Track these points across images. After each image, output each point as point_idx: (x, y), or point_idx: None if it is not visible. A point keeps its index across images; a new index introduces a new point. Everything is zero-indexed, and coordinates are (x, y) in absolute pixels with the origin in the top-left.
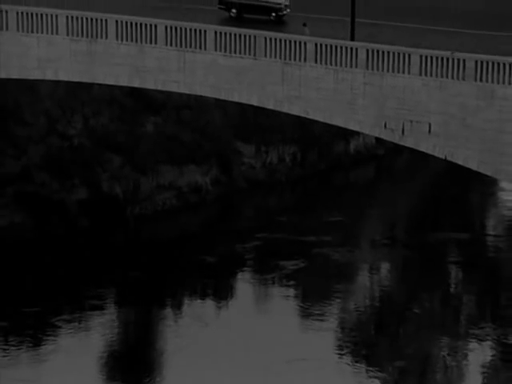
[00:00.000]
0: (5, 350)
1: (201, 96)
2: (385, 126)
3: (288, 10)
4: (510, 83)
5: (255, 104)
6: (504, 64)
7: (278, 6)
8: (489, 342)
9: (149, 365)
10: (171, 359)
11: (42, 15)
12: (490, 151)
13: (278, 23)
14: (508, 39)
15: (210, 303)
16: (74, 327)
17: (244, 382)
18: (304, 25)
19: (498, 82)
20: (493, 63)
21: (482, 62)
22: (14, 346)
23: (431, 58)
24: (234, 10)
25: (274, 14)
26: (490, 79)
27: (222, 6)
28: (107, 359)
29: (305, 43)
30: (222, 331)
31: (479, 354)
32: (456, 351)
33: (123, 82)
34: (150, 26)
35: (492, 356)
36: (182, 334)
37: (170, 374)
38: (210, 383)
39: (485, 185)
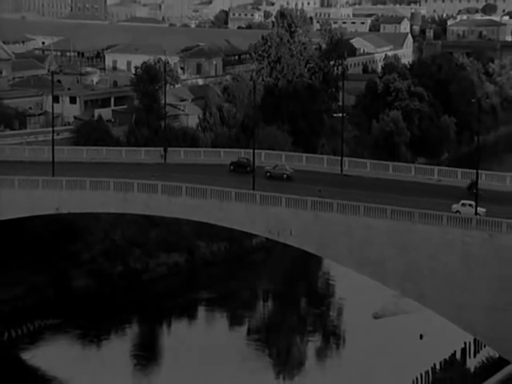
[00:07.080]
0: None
1: (177, 218)
2: (270, 231)
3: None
4: (327, 210)
5: (205, 221)
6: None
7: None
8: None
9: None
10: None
11: (101, 182)
12: (319, 243)
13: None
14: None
15: (184, 324)
16: (113, 339)
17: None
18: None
19: (322, 211)
20: (319, 202)
21: (315, 202)
22: (79, 346)
23: (292, 199)
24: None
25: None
26: (317, 209)
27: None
28: (127, 357)
29: (230, 192)
30: (189, 336)
31: (312, 348)
32: (301, 343)
33: (140, 211)
34: (152, 185)
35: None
36: (171, 342)
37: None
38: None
39: (321, 261)
